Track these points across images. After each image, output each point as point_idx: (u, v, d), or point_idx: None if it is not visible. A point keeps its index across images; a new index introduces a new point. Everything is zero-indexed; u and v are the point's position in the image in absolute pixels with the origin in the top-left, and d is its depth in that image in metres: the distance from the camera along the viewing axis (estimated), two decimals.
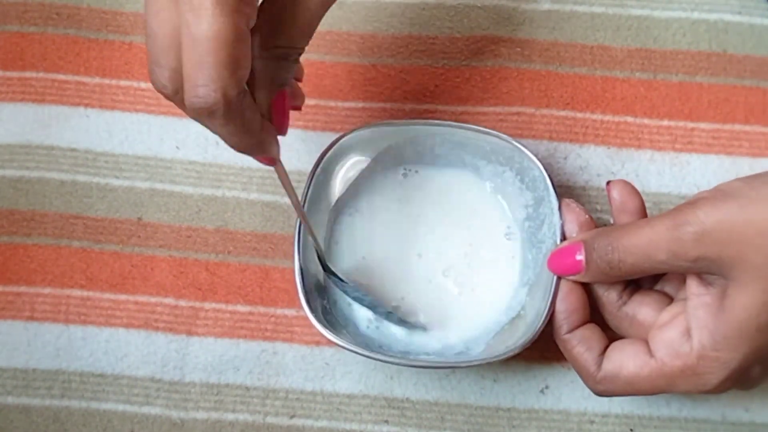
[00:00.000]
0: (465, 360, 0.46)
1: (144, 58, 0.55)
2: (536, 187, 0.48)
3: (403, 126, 0.49)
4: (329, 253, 0.50)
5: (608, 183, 0.46)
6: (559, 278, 0.46)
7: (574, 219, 0.46)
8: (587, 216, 0.46)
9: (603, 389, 0.44)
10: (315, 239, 0.47)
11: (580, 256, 0.44)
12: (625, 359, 0.43)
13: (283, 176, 0.43)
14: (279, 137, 0.41)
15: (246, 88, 0.36)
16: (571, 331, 0.45)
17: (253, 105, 0.37)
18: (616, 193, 0.46)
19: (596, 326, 0.46)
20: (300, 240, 0.47)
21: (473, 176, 0.51)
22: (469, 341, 0.48)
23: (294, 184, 0.53)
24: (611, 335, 0.45)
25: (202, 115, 0.34)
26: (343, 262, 0.50)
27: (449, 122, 0.49)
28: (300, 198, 0.48)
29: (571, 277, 0.45)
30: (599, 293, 0.45)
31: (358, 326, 0.49)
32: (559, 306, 0.45)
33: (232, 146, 0.38)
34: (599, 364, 0.44)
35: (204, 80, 0.33)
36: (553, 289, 0.46)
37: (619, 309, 0.45)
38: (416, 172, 0.52)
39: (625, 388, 0.43)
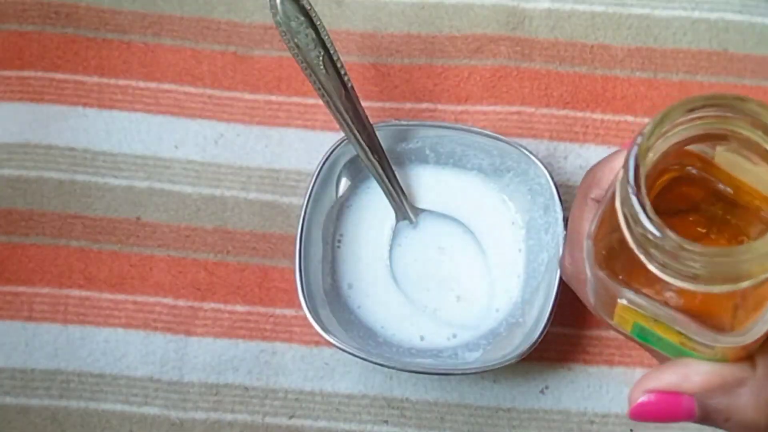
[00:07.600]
0: (461, 368, 0.46)
1: (142, 57, 0.55)
2: (542, 195, 0.48)
3: (409, 127, 0.49)
4: (334, 249, 0.50)
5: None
6: (558, 287, 0.46)
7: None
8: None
9: None
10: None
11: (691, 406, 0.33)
12: None
13: None
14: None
15: None
16: None
17: None
18: None
19: None
20: (301, 239, 0.47)
21: (479, 178, 0.51)
22: (468, 344, 0.48)
23: (293, 183, 0.53)
24: None
25: None
26: (347, 260, 0.50)
27: (458, 124, 0.49)
28: (305, 197, 0.48)
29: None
30: None
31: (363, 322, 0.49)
32: None
33: None
34: None
35: None
36: (552, 298, 0.46)
37: None
38: (420, 172, 0.51)
39: None
